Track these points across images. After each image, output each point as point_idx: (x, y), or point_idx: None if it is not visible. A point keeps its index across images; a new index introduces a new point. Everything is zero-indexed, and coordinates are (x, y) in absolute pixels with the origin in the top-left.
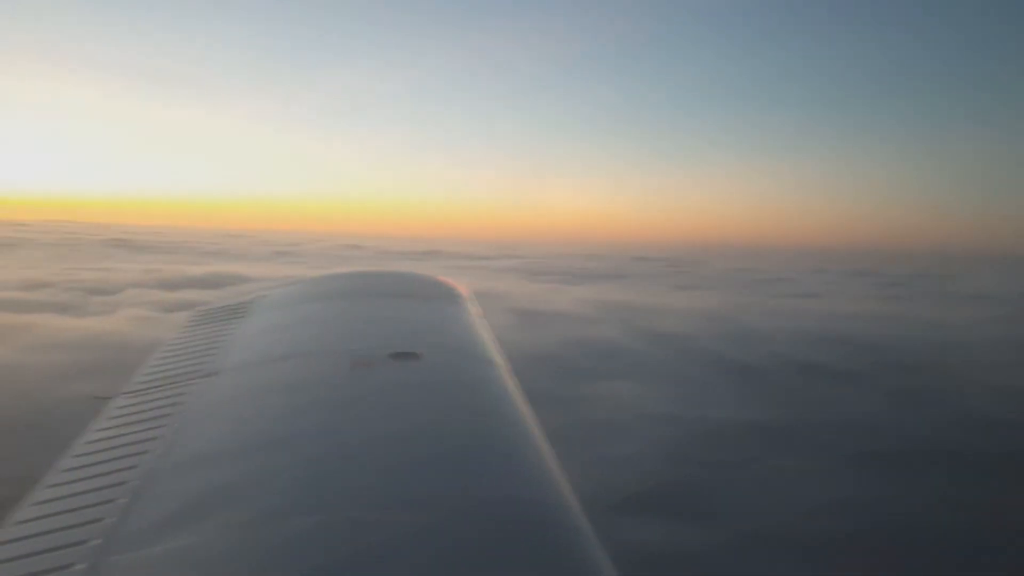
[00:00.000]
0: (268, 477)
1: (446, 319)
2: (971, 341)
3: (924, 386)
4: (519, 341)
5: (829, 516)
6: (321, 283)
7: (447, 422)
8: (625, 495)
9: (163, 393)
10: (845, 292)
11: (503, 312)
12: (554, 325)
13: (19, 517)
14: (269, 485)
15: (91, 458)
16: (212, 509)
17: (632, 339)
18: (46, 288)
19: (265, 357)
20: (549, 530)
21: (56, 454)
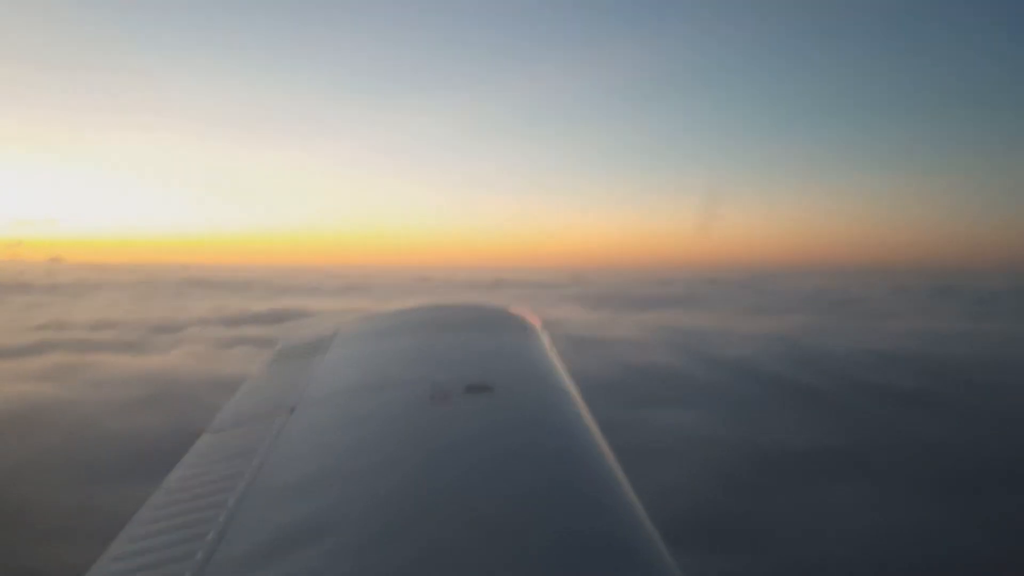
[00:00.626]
0: (351, 511)
1: (518, 351)
2: None
3: (1006, 408)
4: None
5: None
6: (397, 317)
7: (521, 455)
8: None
9: (246, 429)
10: (927, 311)
11: (558, 340)
12: (607, 352)
13: (113, 553)
14: (353, 519)
15: (180, 495)
16: (297, 545)
17: (692, 364)
18: (113, 328)
19: (344, 391)
20: (634, 567)
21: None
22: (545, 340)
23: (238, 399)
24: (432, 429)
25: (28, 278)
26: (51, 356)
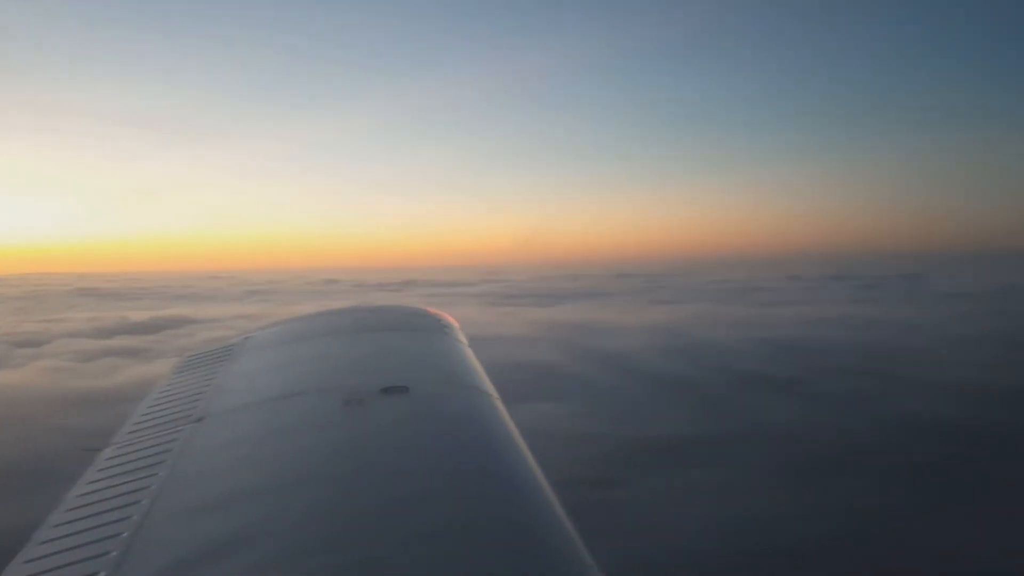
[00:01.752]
0: (260, 523)
1: (434, 351)
2: (934, 340)
3: (871, 389)
4: None
5: (727, 532)
6: (311, 321)
7: (438, 454)
8: None
9: (151, 441)
10: (818, 298)
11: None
12: (490, 349)
13: (11, 573)
14: (262, 531)
15: (82, 511)
16: (206, 557)
17: (575, 358)
18: None
19: (253, 399)
20: (553, 564)
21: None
22: (463, 340)
23: (144, 409)
24: (345, 434)
25: None
26: None
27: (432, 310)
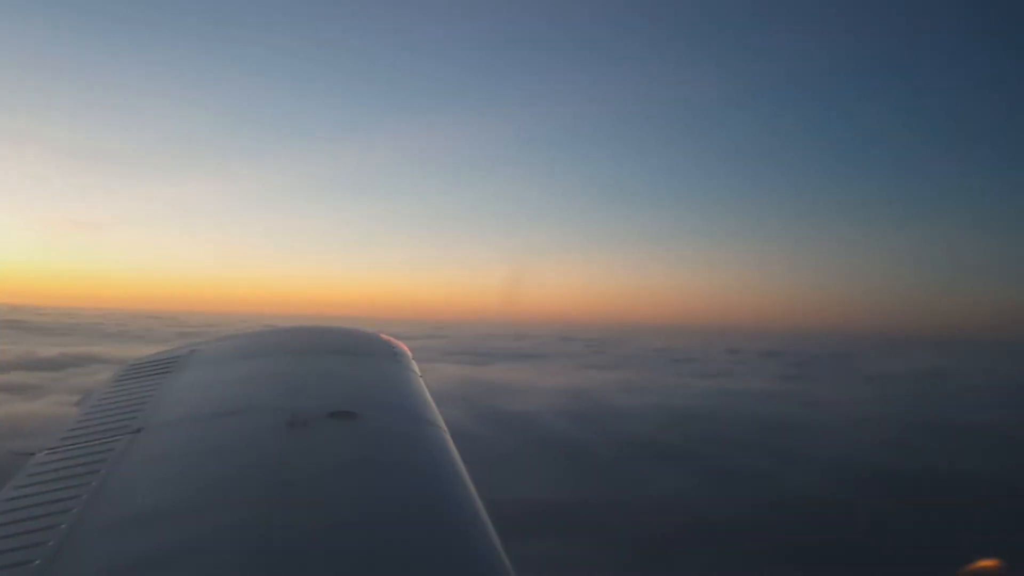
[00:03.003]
0: (194, 540)
1: (385, 377)
2: (837, 420)
3: (750, 464)
4: None
5: None
6: (260, 338)
7: (383, 483)
8: None
9: (87, 450)
10: (745, 372)
11: None
12: None
13: None
14: (195, 549)
15: (9, 516)
16: (135, 573)
17: (474, 418)
18: None
19: (196, 413)
20: None
21: None
22: (415, 369)
23: (82, 415)
24: (288, 456)
25: None
26: None
27: (385, 336)
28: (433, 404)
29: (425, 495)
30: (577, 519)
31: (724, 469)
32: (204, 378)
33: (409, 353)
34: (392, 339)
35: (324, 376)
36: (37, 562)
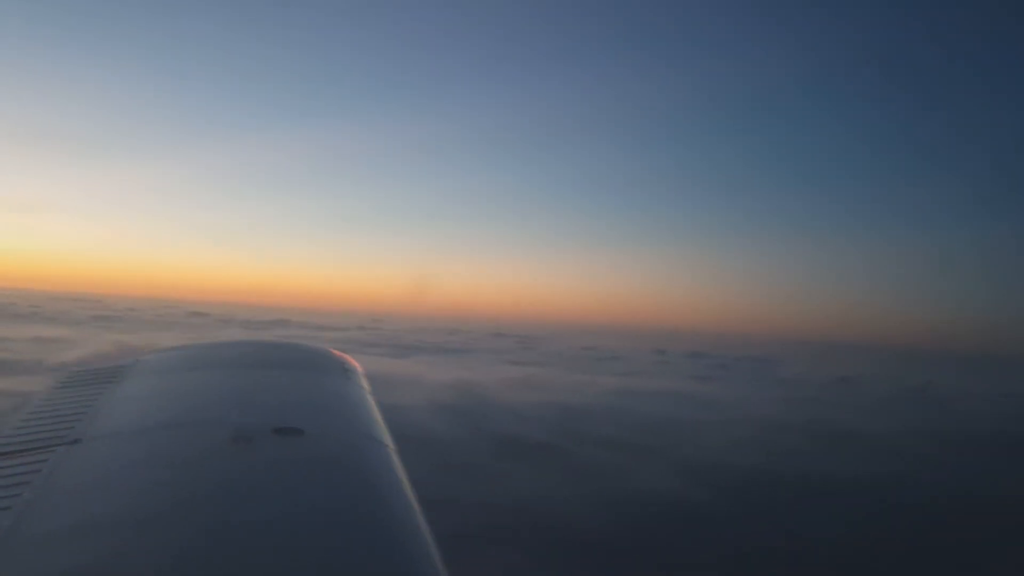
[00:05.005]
0: (131, 556)
1: (333, 394)
2: (723, 422)
3: (603, 462)
4: None
5: None
6: (204, 351)
7: (326, 501)
8: None
9: (20, 460)
10: (661, 371)
11: None
12: None
13: None
14: (131, 564)
15: None
16: None
17: None
18: None
19: (135, 426)
20: None
21: None
22: (365, 386)
23: (17, 423)
24: (230, 472)
25: None
26: None
27: (337, 352)
28: (381, 421)
29: (367, 511)
30: None
31: (573, 466)
32: (147, 390)
33: (360, 370)
34: (342, 355)
35: (270, 391)
36: None
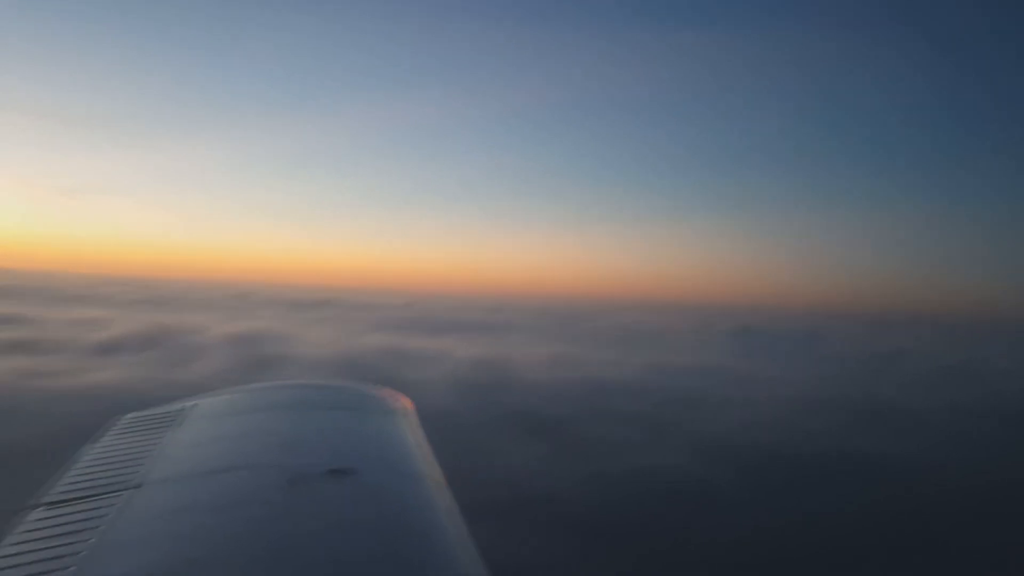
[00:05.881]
0: None
1: (385, 433)
2: (753, 397)
3: (620, 438)
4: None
5: None
6: (258, 393)
7: (382, 541)
8: None
9: (84, 506)
10: (706, 347)
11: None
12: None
13: None
14: None
15: (8, 574)
16: None
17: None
18: None
19: (195, 470)
20: None
21: None
22: (415, 423)
23: (77, 470)
24: (289, 513)
25: None
26: None
27: (386, 390)
28: (433, 459)
29: (422, 551)
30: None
31: (578, 441)
32: (204, 433)
33: (410, 407)
34: (393, 393)
35: (323, 432)
36: None
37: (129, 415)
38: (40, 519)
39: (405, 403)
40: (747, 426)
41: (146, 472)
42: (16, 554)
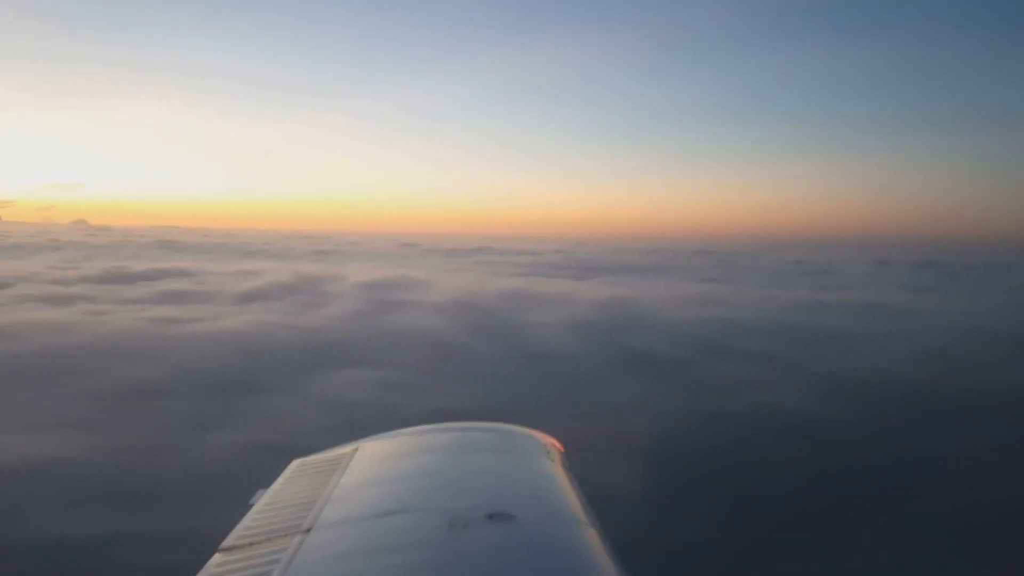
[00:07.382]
0: None
1: (539, 477)
2: (918, 335)
3: (731, 376)
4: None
5: None
6: (417, 437)
7: None
8: None
9: (260, 550)
10: (878, 282)
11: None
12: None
13: None
14: None
15: None
16: None
17: (476, 331)
18: None
19: (362, 514)
20: None
21: None
22: (566, 464)
23: (252, 516)
24: (451, 558)
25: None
26: None
27: (537, 433)
28: (587, 502)
29: None
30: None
31: (691, 381)
32: (368, 477)
33: (561, 449)
34: (544, 436)
35: (480, 476)
36: None
37: (297, 461)
38: (222, 563)
39: (555, 445)
40: (889, 363)
41: (315, 516)
42: None
